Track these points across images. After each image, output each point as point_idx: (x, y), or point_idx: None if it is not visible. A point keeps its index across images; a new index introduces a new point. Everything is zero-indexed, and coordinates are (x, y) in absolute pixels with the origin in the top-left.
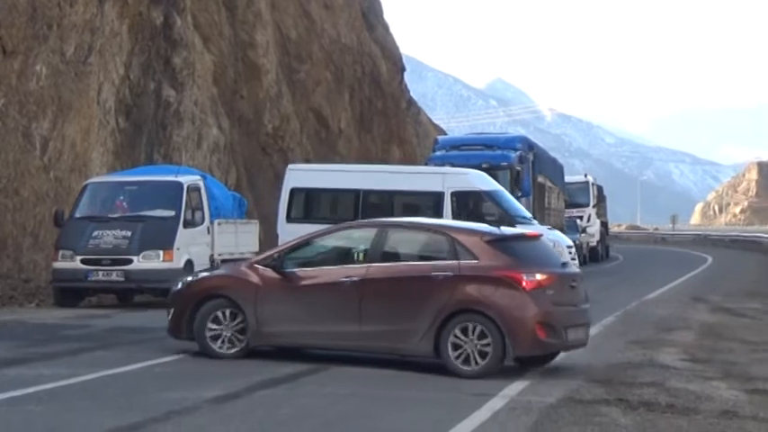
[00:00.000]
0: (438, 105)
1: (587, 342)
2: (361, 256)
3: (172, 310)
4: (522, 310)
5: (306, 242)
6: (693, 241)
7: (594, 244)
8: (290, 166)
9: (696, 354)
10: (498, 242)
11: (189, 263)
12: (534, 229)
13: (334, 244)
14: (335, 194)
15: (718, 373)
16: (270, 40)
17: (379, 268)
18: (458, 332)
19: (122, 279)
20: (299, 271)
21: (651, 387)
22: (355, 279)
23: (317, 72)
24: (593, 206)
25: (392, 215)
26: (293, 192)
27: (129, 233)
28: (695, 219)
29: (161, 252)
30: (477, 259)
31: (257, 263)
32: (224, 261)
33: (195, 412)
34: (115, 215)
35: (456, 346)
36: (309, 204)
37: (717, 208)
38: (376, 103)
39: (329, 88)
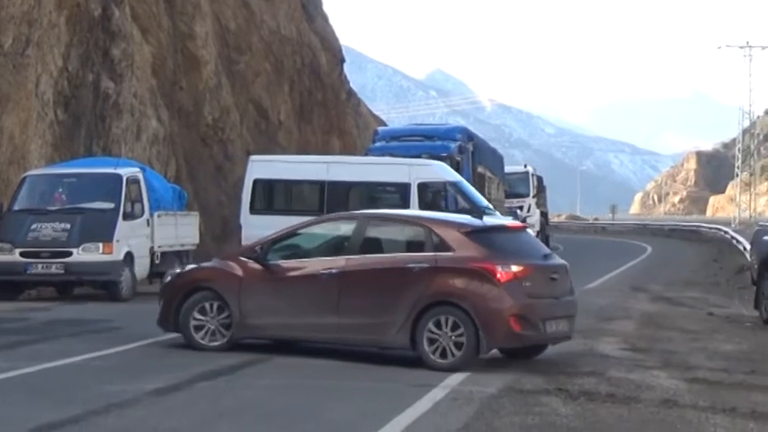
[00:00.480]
0: (378, 96)
1: (572, 335)
2: (341, 248)
3: (162, 302)
4: (496, 303)
5: (289, 234)
6: (633, 231)
7: (534, 234)
8: (252, 156)
9: (636, 343)
10: (476, 234)
11: (129, 255)
12: (497, 219)
13: (316, 236)
14: (300, 185)
15: (658, 363)
16: (209, 31)
17: (357, 260)
18: (432, 324)
19: (62, 272)
20: (282, 263)
21: (591, 377)
22: (334, 271)
23: (256, 63)
24: (533, 196)
25: (358, 206)
26: (256, 183)
27: (68, 225)
28: (635, 208)
29: (100, 244)
30: (453, 251)
31: (242, 254)
32: (163, 254)
33: (136, 404)
34: (54, 208)
35: (431, 339)
36: (273, 195)
37: (656, 197)
38: (316, 95)
39: (269, 79)
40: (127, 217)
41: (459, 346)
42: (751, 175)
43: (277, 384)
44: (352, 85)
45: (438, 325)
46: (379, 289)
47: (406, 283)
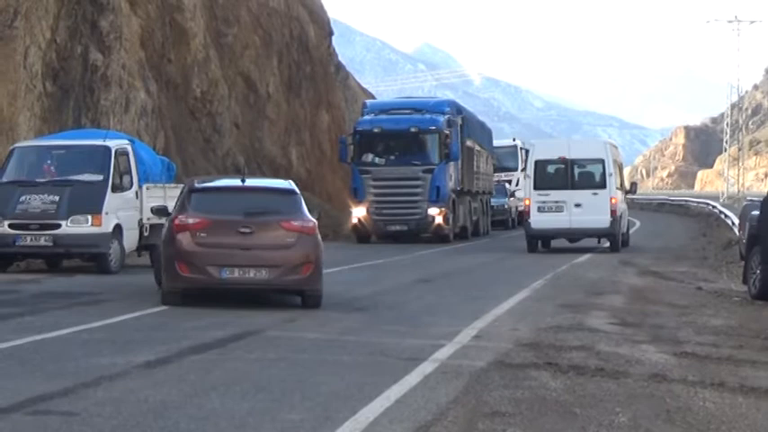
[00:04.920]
0: (366, 69)
1: (271, 282)
2: None
3: None
4: (168, 249)
5: None
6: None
7: (523, 208)
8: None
9: (625, 317)
10: (191, 192)
11: (117, 227)
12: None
13: None
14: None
15: (647, 337)
16: (197, 3)
17: None
18: None
19: (51, 244)
20: None
21: (581, 351)
22: None
23: (244, 36)
24: (522, 170)
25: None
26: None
27: (57, 198)
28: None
29: (89, 217)
30: (177, 206)
31: None
32: (152, 226)
33: (126, 377)
34: (43, 180)
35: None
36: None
37: (644, 172)
38: (304, 68)
39: (257, 52)
40: (116, 189)
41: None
42: (739, 149)
43: (267, 358)
44: (340, 58)
45: None
46: None
47: None
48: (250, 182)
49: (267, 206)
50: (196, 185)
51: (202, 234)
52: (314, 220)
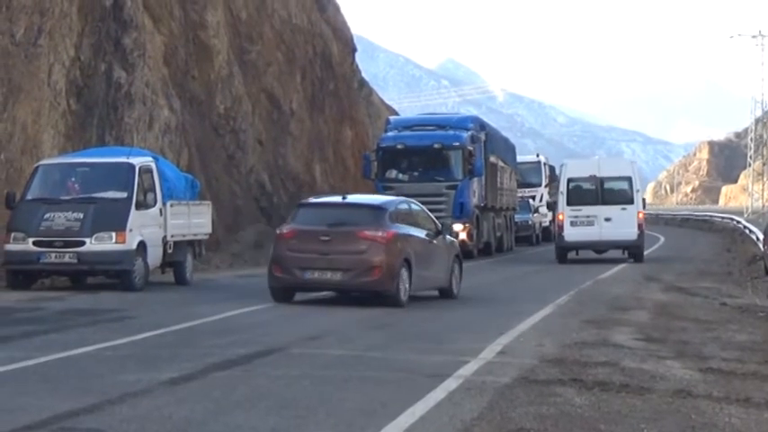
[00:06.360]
0: (390, 85)
1: (344, 282)
2: None
3: None
4: (271, 254)
5: None
6: (645, 221)
7: (547, 224)
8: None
9: (650, 333)
10: (300, 206)
11: (142, 244)
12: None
13: None
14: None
15: (672, 353)
16: (220, 20)
17: None
18: None
19: (75, 261)
20: None
21: (605, 367)
22: None
23: (268, 53)
24: (546, 186)
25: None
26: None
27: (81, 215)
28: (647, 198)
29: (113, 234)
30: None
31: None
32: (176, 243)
33: (151, 394)
34: (67, 197)
35: None
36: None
37: (668, 187)
38: (328, 84)
39: (281, 69)
40: (140, 206)
41: None
42: (764, 164)
43: (292, 374)
44: (363, 74)
45: None
46: None
47: None
48: (350, 198)
49: (350, 219)
50: (302, 201)
51: (293, 241)
52: (390, 230)
